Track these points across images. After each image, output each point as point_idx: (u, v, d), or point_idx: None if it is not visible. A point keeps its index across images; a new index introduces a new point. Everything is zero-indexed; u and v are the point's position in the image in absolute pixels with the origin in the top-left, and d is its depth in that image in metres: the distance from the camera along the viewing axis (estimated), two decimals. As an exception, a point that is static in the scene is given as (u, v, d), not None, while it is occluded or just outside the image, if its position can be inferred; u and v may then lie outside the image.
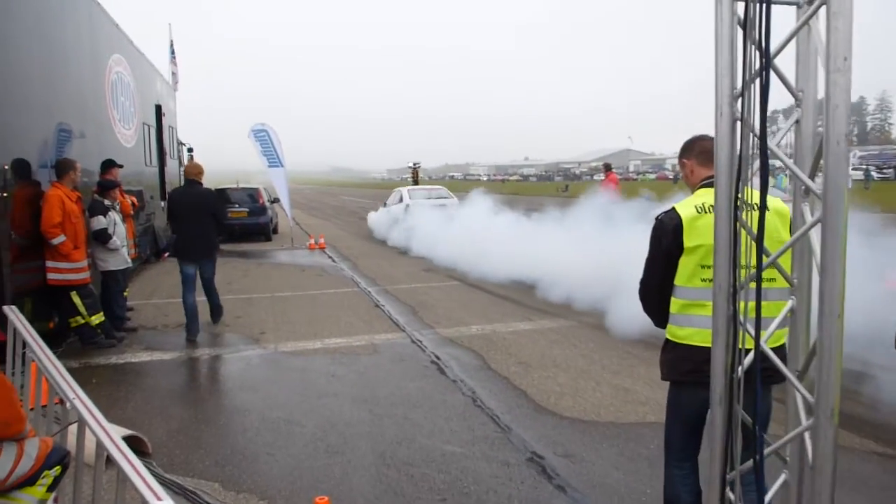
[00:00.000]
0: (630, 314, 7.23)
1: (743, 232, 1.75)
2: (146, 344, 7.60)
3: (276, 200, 20.14)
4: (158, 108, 14.48)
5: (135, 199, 9.85)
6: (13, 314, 4.20)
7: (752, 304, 1.83)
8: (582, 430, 4.93)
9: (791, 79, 1.70)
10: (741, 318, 1.76)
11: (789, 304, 1.82)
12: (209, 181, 9.54)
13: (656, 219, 3.04)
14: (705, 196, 2.94)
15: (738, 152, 1.67)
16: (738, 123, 1.63)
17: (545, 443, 4.70)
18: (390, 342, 7.55)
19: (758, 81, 1.55)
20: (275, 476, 4.22)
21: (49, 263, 6.72)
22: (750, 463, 1.91)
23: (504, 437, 4.82)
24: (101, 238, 7.62)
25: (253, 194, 19.88)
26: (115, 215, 7.88)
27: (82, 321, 7.07)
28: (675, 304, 2.97)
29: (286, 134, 17.69)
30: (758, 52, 1.56)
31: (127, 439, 2.95)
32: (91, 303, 7.14)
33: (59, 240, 6.60)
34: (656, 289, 3.07)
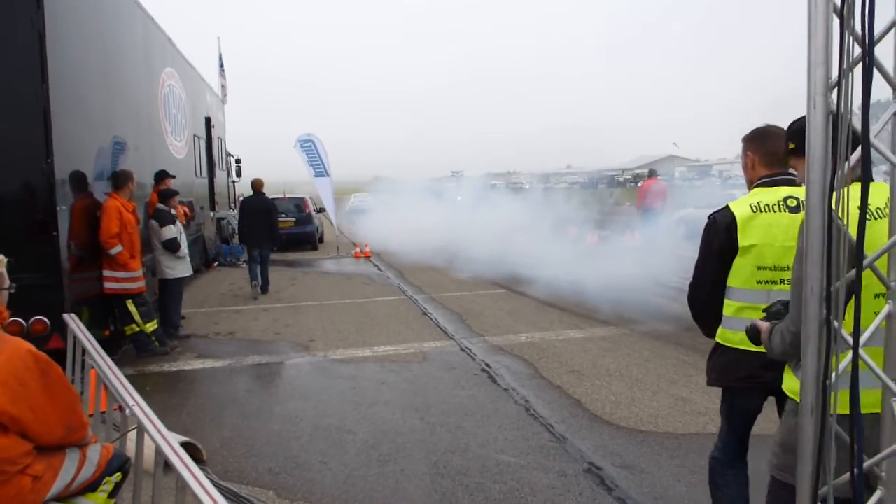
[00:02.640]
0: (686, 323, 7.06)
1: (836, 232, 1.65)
2: (198, 352, 7.70)
3: (321, 210, 20.33)
4: (208, 121, 14.74)
5: (187, 209, 10.02)
6: (73, 322, 4.28)
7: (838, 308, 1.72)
8: (640, 441, 4.80)
9: (889, 68, 1.59)
10: (835, 323, 1.65)
11: (886, 308, 1.70)
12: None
13: (709, 217, 2.95)
14: (761, 195, 2.85)
15: (831, 146, 1.57)
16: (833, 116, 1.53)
17: (602, 453, 4.58)
18: (439, 350, 7.50)
19: (856, 71, 1.45)
20: (328, 485, 4.20)
21: (106, 273, 6.86)
22: (842, 479, 1.79)
23: (560, 446, 4.72)
24: (172, 247, 7.79)
25: (299, 204, 20.07)
26: (179, 224, 8.04)
27: (137, 329, 7.19)
28: (729, 306, 2.89)
29: (328, 144, 17.87)
30: (854, 41, 1.46)
31: (182, 446, 2.95)
32: (146, 311, 7.26)
33: (116, 250, 6.74)
34: (707, 292, 2.98)
